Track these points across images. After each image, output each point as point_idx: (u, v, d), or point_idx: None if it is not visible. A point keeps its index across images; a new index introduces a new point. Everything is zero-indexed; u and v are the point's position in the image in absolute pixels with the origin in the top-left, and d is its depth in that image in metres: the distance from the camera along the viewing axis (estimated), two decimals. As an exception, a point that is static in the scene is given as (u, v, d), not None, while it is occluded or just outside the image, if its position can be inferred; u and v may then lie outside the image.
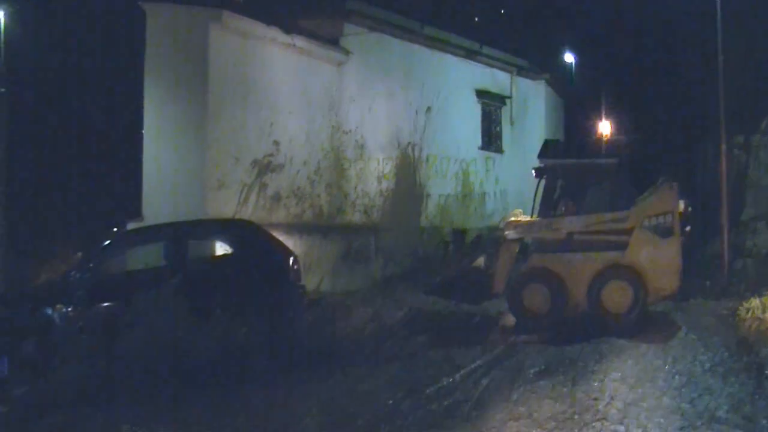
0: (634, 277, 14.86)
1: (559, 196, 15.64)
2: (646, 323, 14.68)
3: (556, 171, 15.66)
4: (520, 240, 15.74)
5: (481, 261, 16.14)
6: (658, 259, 14.80)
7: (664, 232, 14.85)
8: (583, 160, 15.99)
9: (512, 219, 15.83)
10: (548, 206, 15.53)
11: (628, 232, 14.97)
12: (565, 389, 10.09)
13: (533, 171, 15.90)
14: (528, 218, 15.79)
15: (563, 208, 15.54)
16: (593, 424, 8.56)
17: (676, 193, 15.10)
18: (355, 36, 22.45)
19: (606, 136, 16.18)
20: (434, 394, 10.21)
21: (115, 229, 20.85)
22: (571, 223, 15.27)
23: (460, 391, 10.34)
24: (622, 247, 14.95)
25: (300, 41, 20.73)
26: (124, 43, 24.04)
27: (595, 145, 16.38)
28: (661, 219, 14.87)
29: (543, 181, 15.60)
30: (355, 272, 20.42)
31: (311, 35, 21.28)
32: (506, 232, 15.59)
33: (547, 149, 16.50)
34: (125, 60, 23.48)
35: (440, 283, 16.59)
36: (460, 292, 15.94)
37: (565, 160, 15.94)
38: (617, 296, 14.89)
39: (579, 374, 10.89)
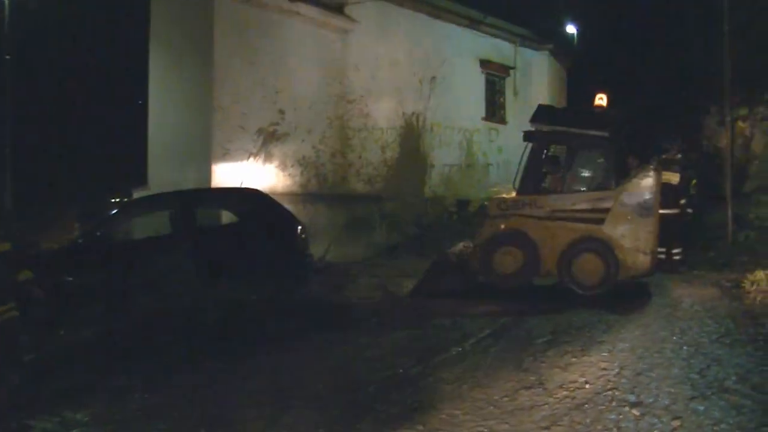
0: (607, 251, 14.85)
1: (545, 167, 15.54)
2: (650, 294, 14.75)
3: (546, 137, 15.46)
4: (504, 218, 15.50)
5: (460, 246, 16.27)
6: (633, 237, 14.76)
7: (643, 212, 14.79)
8: (574, 129, 15.45)
9: (496, 196, 15.99)
10: (533, 179, 15.40)
11: (608, 209, 14.93)
12: (574, 358, 10.10)
13: (522, 134, 15.66)
14: (511, 195, 15.70)
15: (549, 183, 15.54)
16: (604, 393, 8.57)
17: (658, 174, 14.95)
18: (360, 4, 22.36)
19: (602, 106, 15.83)
20: (444, 362, 10.22)
21: (120, 198, 20.90)
22: (555, 202, 15.17)
23: (469, 359, 10.36)
24: (600, 221, 14.92)
25: (305, 9, 20.71)
26: (129, 9, 23.97)
27: (590, 116, 16.09)
28: (640, 197, 14.81)
29: (528, 149, 15.37)
30: (359, 241, 20.48)
31: (316, 3, 21.20)
32: (491, 211, 15.64)
33: (540, 114, 15.87)
34: (130, 26, 23.43)
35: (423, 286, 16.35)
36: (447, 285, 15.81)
37: (556, 127, 15.51)
38: (588, 268, 14.91)
39: (587, 344, 10.90)
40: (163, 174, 19.42)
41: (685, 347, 10.51)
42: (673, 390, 8.57)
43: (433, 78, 25.19)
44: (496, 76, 28.75)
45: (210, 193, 16.21)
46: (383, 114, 23.53)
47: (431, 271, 16.05)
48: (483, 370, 9.75)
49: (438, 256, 16.73)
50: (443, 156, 25.32)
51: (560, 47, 33.25)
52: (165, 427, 8.41)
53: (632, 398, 8.35)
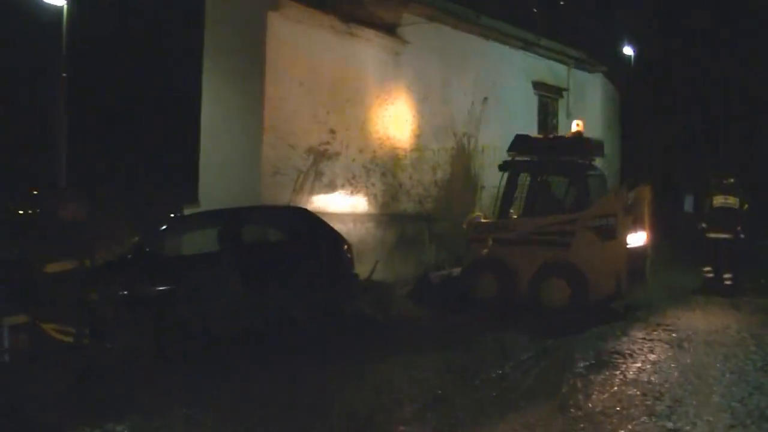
0: (574, 275, 15.29)
1: (519, 192, 16.43)
2: (698, 319, 14.65)
3: (517, 166, 16.57)
4: (482, 240, 16.44)
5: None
6: (598, 261, 15.14)
7: (606, 234, 15.19)
8: (542, 157, 16.46)
9: (472, 219, 16.86)
10: (505, 205, 16.43)
11: (574, 232, 15.47)
12: (614, 383, 10.08)
13: (498, 166, 17.07)
14: (487, 219, 16.93)
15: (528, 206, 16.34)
16: (641, 419, 8.55)
17: (623, 197, 15.41)
18: (412, 25, 22.44)
19: (579, 132, 16.48)
20: (483, 384, 10.25)
21: (172, 214, 21.11)
22: (524, 225, 16.00)
23: (509, 381, 10.37)
24: (567, 245, 15.46)
25: (358, 29, 20.78)
26: (183, 29, 24.28)
27: (560, 142, 16.59)
28: (604, 221, 15.21)
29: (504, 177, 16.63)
30: (408, 260, 20.47)
31: (369, 24, 21.31)
32: (468, 234, 16.80)
33: (515, 144, 16.92)
34: (184, 47, 23.72)
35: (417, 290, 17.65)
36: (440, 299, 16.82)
37: (527, 156, 16.62)
38: (554, 292, 15.45)
39: (628, 369, 10.87)
40: (213, 191, 19.55)
41: (727, 374, 10.46)
42: (712, 418, 8.53)
43: (486, 99, 25.16)
44: (548, 97, 28.67)
45: (257, 211, 16.34)
46: (435, 135, 23.52)
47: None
48: (521, 393, 9.75)
49: (421, 277, 18.24)
50: (494, 177, 25.18)
51: (615, 69, 33.03)
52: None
53: (669, 425, 8.32)
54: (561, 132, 27.62)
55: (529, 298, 15.65)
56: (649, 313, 15.58)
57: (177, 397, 9.68)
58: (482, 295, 16.07)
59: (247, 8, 19.23)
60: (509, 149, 16.94)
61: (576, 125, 16.98)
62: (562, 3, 29.99)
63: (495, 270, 16.05)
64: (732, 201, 18.47)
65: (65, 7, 20.95)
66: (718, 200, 18.56)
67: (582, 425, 8.40)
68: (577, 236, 15.31)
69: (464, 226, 17.04)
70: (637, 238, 15.83)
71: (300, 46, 19.39)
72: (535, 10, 27.93)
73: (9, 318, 6.76)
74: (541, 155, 16.43)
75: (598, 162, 17.21)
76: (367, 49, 21.31)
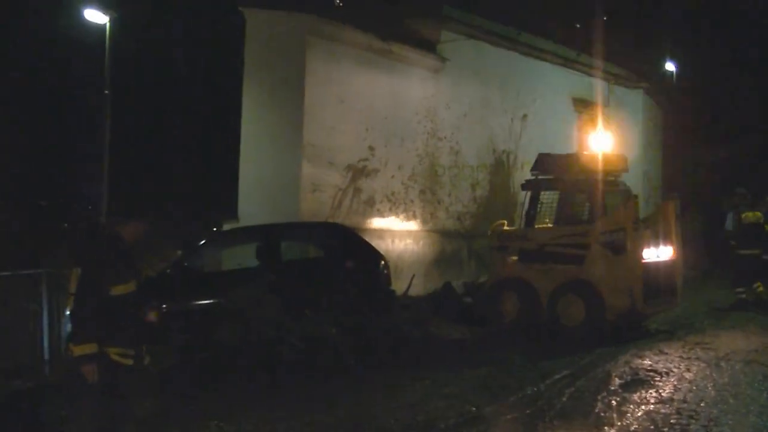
0: (589, 291, 15.06)
1: (542, 208, 16.31)
2: (737, 338, 14.52)
3: (538, 184, 16.52)
4: (504, 248, 16.41)
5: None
6: (611, 276, 14.87)
7: (617, 249, 14.94)
8: (560, 175, 16.31)
9: (496, 228, 16.74)
10: (530, 218, 16.27)
11: (588, 246, 15.24)
12: (649, 403, 10.02)
13: (521, 185, 17.18)
14: (509, 228, 16.81)
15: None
16: (674, 439, 8.51)
17: (632, 211, 15.10)
18: (451, 42, 22.52)
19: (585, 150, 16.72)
20: (518, 402, 10.23)
21: (214, 229, 21.28)
22: (541, 235, 15.84)
23: (544, 399, 10.34)
24: (582, 260, 15.25)
25: (396, 47, 20.90)
26: (225, 48, 24.51)
27: (577, 160, 16.49)
28: (614, 235, 14.96)
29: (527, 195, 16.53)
30: (446, 277, 20.44)
31: (408, 41, 21.42)
32: (492, 241, 16.71)
33: (537, 163, 16.85)
34: (225, 65, 23.96)
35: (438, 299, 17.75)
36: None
37: (548, 175, 16.50)
38: (571, 309, 15.21)
39: (664, 388, 10.80)
40: (253, 207, 19.75)
41: (765, 394, 10.34)
42: (746, 438, 8.46)
43: (525, 116, 25.16)
44: (589, 114, 28.49)
45: (295, 227, 16.46)
46: (474, 152, 23.56)
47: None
48: (556, 411, 9.72)
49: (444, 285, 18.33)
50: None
51: (656, 86, 32.85)
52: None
53: (703, 446, 8.25)
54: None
55: (547, 315, 15.50)
56: (688, 331, 15.48)
57: (213, 414, 9.75)
58: (506, 313, 15.94)
59: (287, 28, 19.44)
60: (533, 168, 16.96)
61: (597, 141, 16.99)
62: (605, 18, 29.80)
63: (517, 288, 15.93)
64: (759, 215, 18.71)
65: (108, 25, 21.22)
66: (747, 217, 18.70)
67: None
68: (590, 251, 15.16)
69: (489, 234, 17.03)
70: (660, 253, 15.55)
71: (339, 64, 19.54)
72: (577, 26, 27.86)
73: (78, 347, 6.60)
74: (562, 173, 16.38)
75: (621, 177, 17.03)
76: (406, 67, 21.43)
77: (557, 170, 16.44)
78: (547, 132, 25.46)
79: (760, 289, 18.44)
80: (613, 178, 16.31)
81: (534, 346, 13.95)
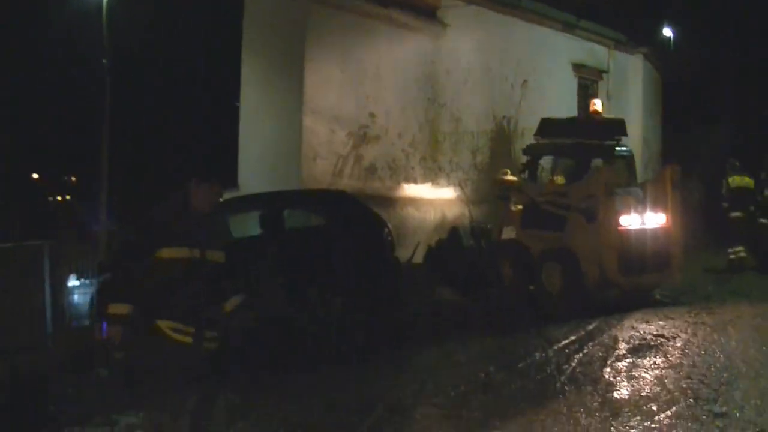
0: (567, 258, 14.69)
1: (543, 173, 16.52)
2: (743, 302, 14.47)
3: (537, 150, 16.45)
4: (506, 198, 16.47)
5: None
6: (585, 243, 14.46)
7: (590, 216, 14.46)
8: (554, 142, 16.28)
9: (500, 176, 16.49)
10: (531, 174, 16.21)
11: (568, 212, 14.96)
12: (658, 367, 9.98)
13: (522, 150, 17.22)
14: (510, 177, 16.32)
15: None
16: (687, 402, 8.45)
17: (604, 177, 14.55)
18: (452, 8, 22.34)
19: (597, 112, 16.37)
20: (527, 368, 10.19)
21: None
22: (532, 190, 15.74)
23: (553, 365, 10.30)
24: (563, 226, 14.97)
25: (397, 14, 20.76)
26: (224, 16, 24.32)
27: (571, 125, 16.35)
28: (588, 201, 14.50)
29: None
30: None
31: (408, 8, 21.25)
32: (495, 189, 16.88)
33: (540, 128, 16.65)
34: (225, 33, 23.78)
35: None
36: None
37: (547, 139, 16.37)
38: (552, 277, 14.93)
39: (672, 353, 10.74)
40: (253, 176, 19.66)
41: (773, 358, 10.29)
42: (759, 402, 8.38)
43: (525, 82, 25.02)
44: (589, 80, 28.41)
45: (299, 195, 16.36)
46: (474, 118, 23.45)
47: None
48: (566, 377, 9.68)
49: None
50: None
51: (656, 51, 32.69)
52: (247, 427, 8.55)
53: (716, 409, 8.18)
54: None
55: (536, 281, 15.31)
56: (693, 296, 15.44)
57: (220, 387, 9.69)
58: (506, 276, 15.81)
59: (287, -6, 19.26)
60: (536, 133, 16.77)
61: (592, 104, 16.82)
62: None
63: (515, 251, 15.80)
64: (747, 180, 19.08)
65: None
66: (734, 181, 19.15)
67: (626, 410, 8.32)
68: (570, 216, 14.80)
69: (493, 180, 17.14)
70: (648, 221, 14.74)
71: (340, 30, 19.43)
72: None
73: (113, 305, 6.05)
74: (562, 137, 16.16)
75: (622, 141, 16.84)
76: (407, 33, 21.28)
77: (556, 135, 16.32)
78: (547, 98, 25.33)
79: (742, 254, 18.88)
80: (611, 143, 16.14)
81: (536, 311, 13.89)
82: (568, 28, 26.99)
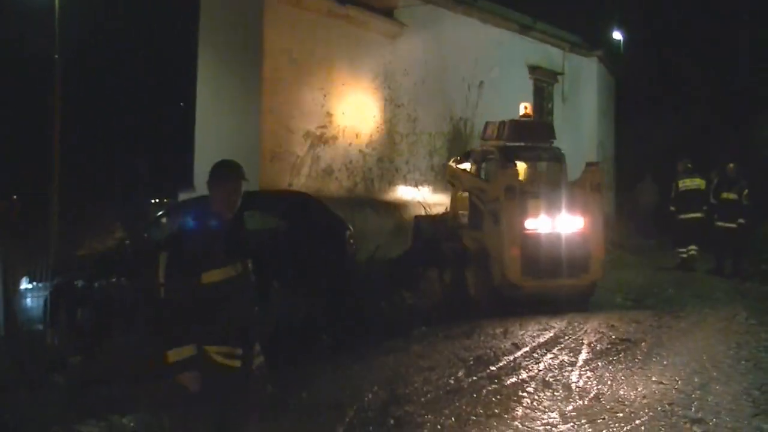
0: (483, 258, 14.69)
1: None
2: (705, 306, 14.46)
3: (478, 154, 16.71)
4: (454, 184, 17.22)
5: None
6: (493, 245, 14.44)
7: (495, 218, 14.40)
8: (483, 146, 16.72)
9: (450, 164, 17.46)
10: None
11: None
12: (629, 372, 9.88)
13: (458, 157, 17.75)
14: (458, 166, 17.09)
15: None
16: (662, 408, 8.35)
17: (505, 180, 14.39)
18: (409, 8, 22.21)
19: (528, 114, 16.87)
20: (497, 373, 10.03)
21: (167, 200, 20.90)
22: (467, 181, 16.24)
23: (522, 369, 10.16)
24: (481, 227, 15.09)
25: (354, 12, 20.60)
26: (179, 12, 23.97)
27: (514, 128, 16.47)
28: (495, 204, 14.43)
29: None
30: (406, 246, 20.27)
31: (366, 6, 21.09)
32: (447, 175, 17.77)
33: (485, 130, 16.97)
34: (179, 29, 23.43)
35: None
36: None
37: (485, 144, 16.73)
38: (470, 276, 15.04)
39: (642, 357, 10.67)
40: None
41: (743, 362, 10.26)
42: (734, 407, 8.33)
43: (482, 83, 24.95)
44: (544, 81, 28.46)
45: (258, 196, 16.05)
46: (431, 119, 23.32)
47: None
48: (535, 382, 9.54)
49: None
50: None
51: (609, 54, 32.85)
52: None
53: (692, 414, 8.10)
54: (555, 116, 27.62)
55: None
56: (655, 300, 15.45)
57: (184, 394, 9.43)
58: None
59: (244, -9, 18.99)
60: (481, 137, 17.07)
61: (523, 108, 17.02)
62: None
63: (456, 252, 15.80)
64: (698, 182, 19.38)
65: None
66: (684, 183, 19.42)
67: (603, 416, 8.20)
68: (483, 218, 14.86)
69: (446, 165, 17.71)
70: (565, 225, 14.28)
71: (297, 29, 19.19)
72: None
73: (173, 352, 5.26)
74: (499, 140, 16.24)
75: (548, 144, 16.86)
76: (364, 32, 21.12)
77: (496, 137, 16.37)
78: (503, 100, 25.14)
79: (693, 252, 19.47)
80: (536, 145, 16.25)
81: (501, 312, 13.73)
82: (524, 29, 26.99)
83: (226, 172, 5.75)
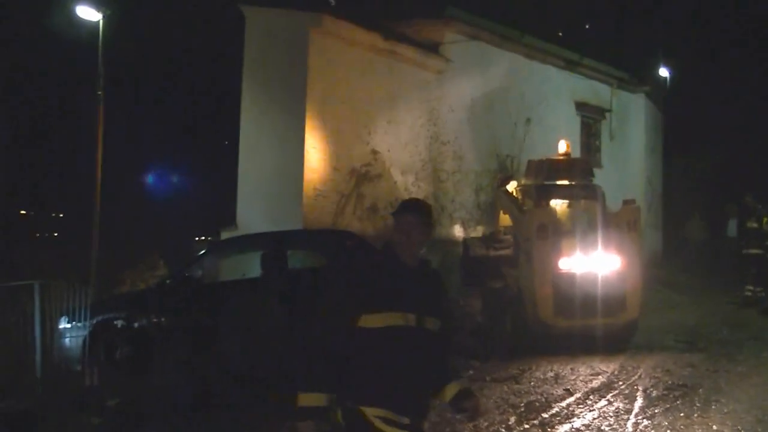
0: (517, 297, 14.69)
1: None
2: (761, 347, 13.97)
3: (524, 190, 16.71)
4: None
5: None
6: (526, 284, 14.43)
7: (528, 257, 14.38)
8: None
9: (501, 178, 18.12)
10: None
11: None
12: (689, 420, 9.40)
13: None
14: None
15: None
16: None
17: (537, 219, 14.45)
18: (454, 44, 21.93)
19: (566, 153, 16.88)
20: (550, 421, 9.57)
21: (210, 238, 20.66)
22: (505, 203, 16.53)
23: (576, 417, 9.69)
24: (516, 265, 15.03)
25: (400, 48, 20.35)
26: (223, 47, 23.87)
27: (551, 166, 16.29)
28: (527, 244, 14.42)
29: None
30: (452, 285, 19.85)
31: (411, 42, 20.84)
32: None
33: (527, 170, 17.30)
34: (224, 65, 23.32)
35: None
36: None
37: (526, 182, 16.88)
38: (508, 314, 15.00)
39: (701, 403, 10.19)
40: (252, 215, 19.07)
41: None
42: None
43: (528, 120, 24.54)
44: (591, 118, 28.06)
45: (303, 235, 15.75)
46: (477, 156, 22.94)
47: None
48: (594, 430, 9.07)
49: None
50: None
51: (658, 90, 32.39)
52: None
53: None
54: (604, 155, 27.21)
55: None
56: (708, 341, 14.93)
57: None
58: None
59: (289, 25, 18.89)
60: (525, 175, 17.18)
61: (563, 146, 16.94)
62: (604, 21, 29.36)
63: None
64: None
65: (101, 23, 20.31)
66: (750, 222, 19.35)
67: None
68: (519, 257, 14.79)
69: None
70: (600, 264, 14.09)
71: (342, 64, 18.97)
72: (587, 26, 27.38)
73: (305, 395, 4.54)
74: (541, 179, 16.38)
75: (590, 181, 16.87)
76: (409, 68, 20.85)
77: (536, 176, 16.51)
78: (550, 136, 24.78)
79: (761, 293, 18.88)
80: (574, 183, 16.16)
81: (551, 354, 13.32)
82: (570, 65, 26.61)
83: (408, 204, 5.02)
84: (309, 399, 4.56)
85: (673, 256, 29.32)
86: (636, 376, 11.82)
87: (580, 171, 16.43)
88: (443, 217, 21.81)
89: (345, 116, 19.07)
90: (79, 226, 22.61)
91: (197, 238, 25.25)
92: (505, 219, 16.66)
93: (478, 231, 21.37)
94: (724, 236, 25.81)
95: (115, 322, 13.68)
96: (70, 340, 13.66)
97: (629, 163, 29.22)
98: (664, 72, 35.53)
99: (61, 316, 13.50)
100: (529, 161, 17.06)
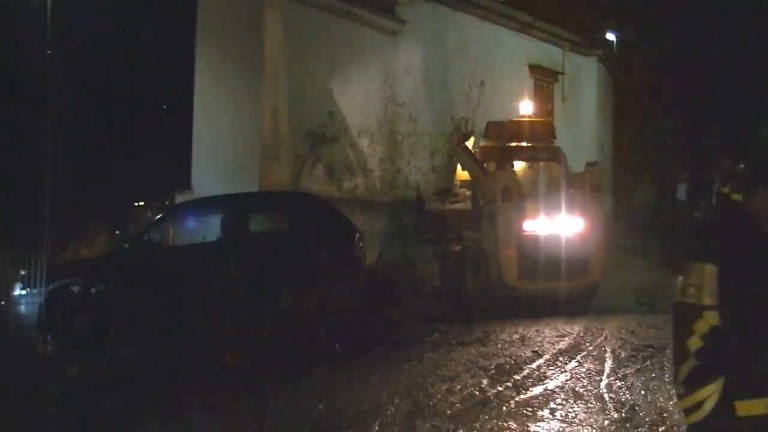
0: (480, 259, 14.59)
1: None
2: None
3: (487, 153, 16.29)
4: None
5: None
6: (490, 246, 14.28)
7: (491, 219, 14.25)
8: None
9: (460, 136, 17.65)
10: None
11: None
12: (662, 381, 9.39)
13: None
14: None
15: None
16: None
17: (501, 182, 14.16)
18: (410, 5, 21.79)
19: (524, 116, 16.92)
20: (522, 383, 9.53)
21: (166, 202, 20.39)
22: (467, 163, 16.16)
23: (548, 379, 9.66)
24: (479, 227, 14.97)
25: (354, 9, 20.15)
26: (176, 8, 23.43)
27: (508, 128, 16.32)
28: (491, 207, 14.31)
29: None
30: (407, 248, 19.80)
31: (366, 3, 20.67)
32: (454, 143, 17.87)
33: (486, 131, 16.87)
34: (177, 27, 22.88)
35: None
36: None
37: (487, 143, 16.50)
38: (469, 277, 15.00)
39: (667, 364, 10.19)
40: (208, 178, 18.90)
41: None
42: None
43: (482, 82, 24.48)
44: (544, 81, 28.08)
45: (264, 197, 15.57)
46: (432, 118, 22.87)
47: None
48: (565, 393, 9.04)
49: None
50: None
51: (609, 53, 32.51)
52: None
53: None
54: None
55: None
56: (670, 304, 14.96)
57: (192, 406, 8.97)
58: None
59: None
60: (482, 136, 16.83)
61: (524, 107, 17.19)
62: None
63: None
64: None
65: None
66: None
67: (645, 430, 7.72)
68: (482, 220, 14.68)
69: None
70: (564, 226, 13.99)
71: (298, 26, 18.75)
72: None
73: (744, 403, 3.75)
74: (502, 140, 16.19)
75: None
76: (366, 30, 20.70)
77: (498, 138, 16.25)
78: (504, 99, 24.79)
79: None
80: (536, 145, 16.05)
81: (514, 316, 13.33)
82: (524, 27, 26.61)
83: None
84: (751, 407, 3.78)
85: (626, 219, 29.48)
86: (602, 338, 11.76)
87: (542, 133, 16.28)
88: (399, 180, 21.73)
89: (301, 78, 18.87)
90: (26, 188, 22.11)
91: (137, 204, 24.85)
92: (461, 175, 16.58)
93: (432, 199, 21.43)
94: (674, 200, 25.97)
95: (72, 288, 13.43)
96: (25, 307, 13.40)
97: (581, 126, 29.31)
98: (611, 36, 35.67)
99: (15, 282, 13.25)
100: (489, 122, 16.83)
